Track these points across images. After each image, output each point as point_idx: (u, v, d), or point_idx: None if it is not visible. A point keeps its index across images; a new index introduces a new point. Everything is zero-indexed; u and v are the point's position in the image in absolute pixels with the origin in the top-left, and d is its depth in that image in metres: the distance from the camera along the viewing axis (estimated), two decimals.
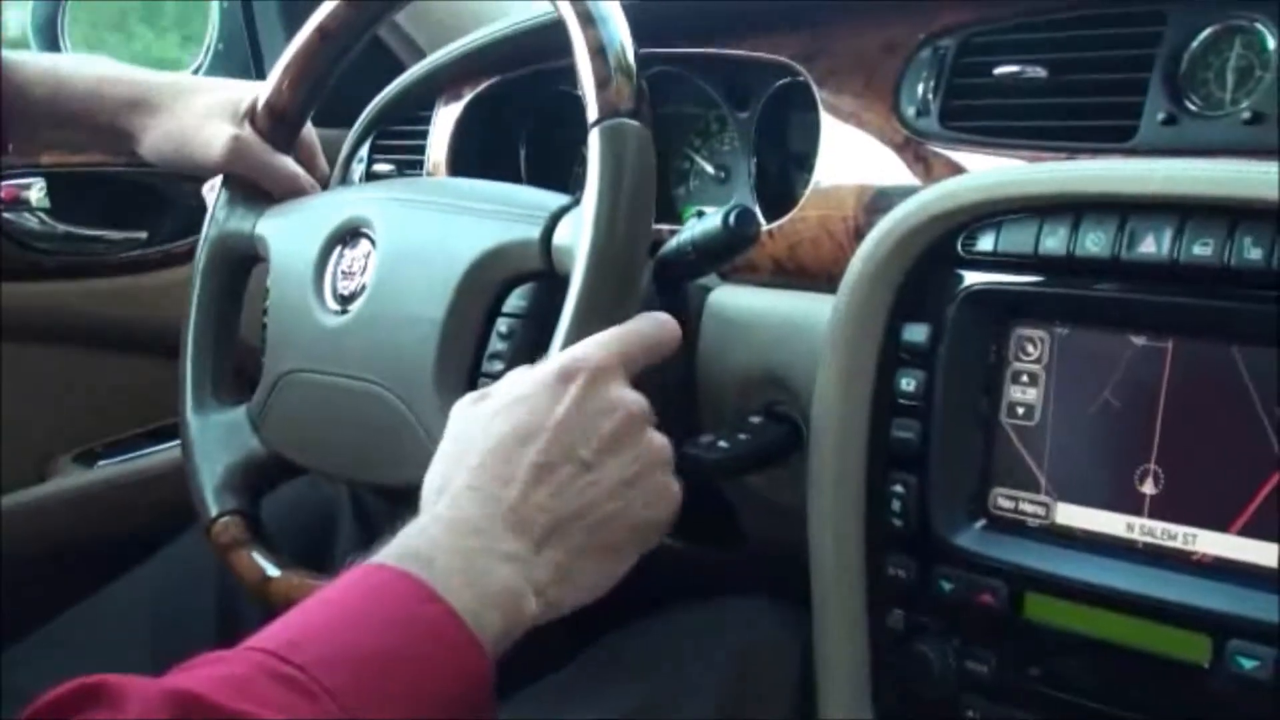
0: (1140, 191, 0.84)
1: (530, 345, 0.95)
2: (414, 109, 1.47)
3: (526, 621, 0.74)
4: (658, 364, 0.86)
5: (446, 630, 0.69)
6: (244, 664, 0.64)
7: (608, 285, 0.86)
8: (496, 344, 0.98)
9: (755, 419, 1.06)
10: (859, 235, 1.01)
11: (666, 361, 0.87)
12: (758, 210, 1.19)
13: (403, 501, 0.81)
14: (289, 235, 1.09)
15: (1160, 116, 0.91)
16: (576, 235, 0.88)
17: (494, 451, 0.77)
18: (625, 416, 0.80)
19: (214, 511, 1.07)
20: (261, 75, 1.61)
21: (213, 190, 1.16)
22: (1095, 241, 0.85)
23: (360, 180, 1.47)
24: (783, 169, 1.23)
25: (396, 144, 1.48)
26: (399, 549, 0.73)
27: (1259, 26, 0.89)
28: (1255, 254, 0.79)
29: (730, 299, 1.11)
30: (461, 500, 0.76)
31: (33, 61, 1.19)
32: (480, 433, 0.79)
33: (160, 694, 0.59)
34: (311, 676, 0.63)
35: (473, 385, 0.96)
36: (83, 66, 1.19)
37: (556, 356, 0.82)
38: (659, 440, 0.82)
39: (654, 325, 0.85)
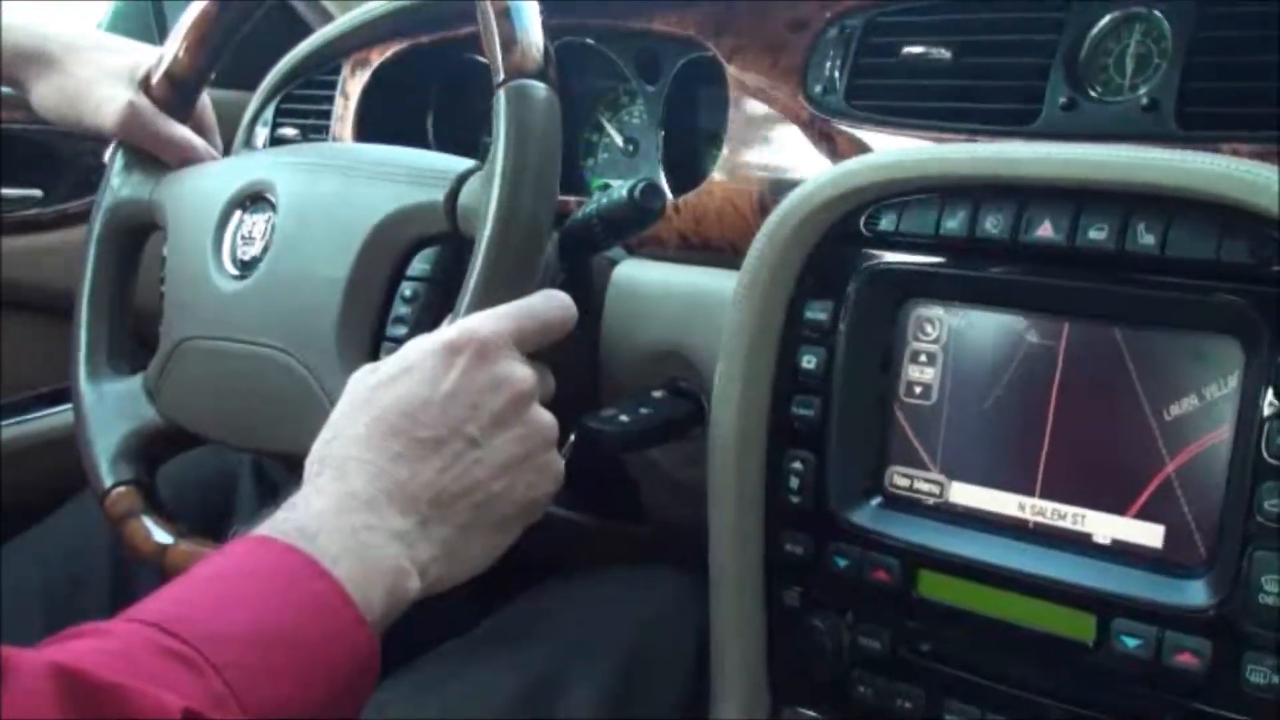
0: (1038, 175, 0.85)
1: (435, 308, 0.95)
2: (321, 73, 1.44)
3: (411, 598, 0.74)
4: (558, 339, 0.85)
5: (332, 606, 0.68)
6: (129, 637, 0.63)
7: (513, 248, 0.85)
8: (400, 308, 0.97)
9: (658, 393, 1.06)
10: (764, 211, 1.01)
11: (568, 335, 0.87)
12: (665, 184, 1.19)
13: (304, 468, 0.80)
14: (187, 202, 1.07)
15: (1061, 101, 0.92)
16: (481, 199, 0.87)
17: (380, 423, 0.77)
18: (513, 393, 0.79)
19: (108, 482, 1.05)
20: (164, 35, 1.58)
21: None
22: (994, 224, 0.86)
23: (265, 145, 1.45)
24: (691, 143, 1.23)
25: (302, 109, 1.45)
26: (286, 523, 0.72)
27: (1158, 14, 0.90)
28: (1148, 239, 0.80)
29: (636, 272, 1.11)
30: (348, 472, 0.75)
31: None
32: (365, 403, 0.78)
33: (46, 667, 0.58)
34: (197, 650, 0.63)
35: (376, 349, 0.95)
36: None
37: (447, 329, 0.81)
38: (546, 418, 0.82)
39: (550, 303, 0.85)
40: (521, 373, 0.80)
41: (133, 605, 0.67)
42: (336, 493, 0.74)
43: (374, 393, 0.79)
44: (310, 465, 0.78)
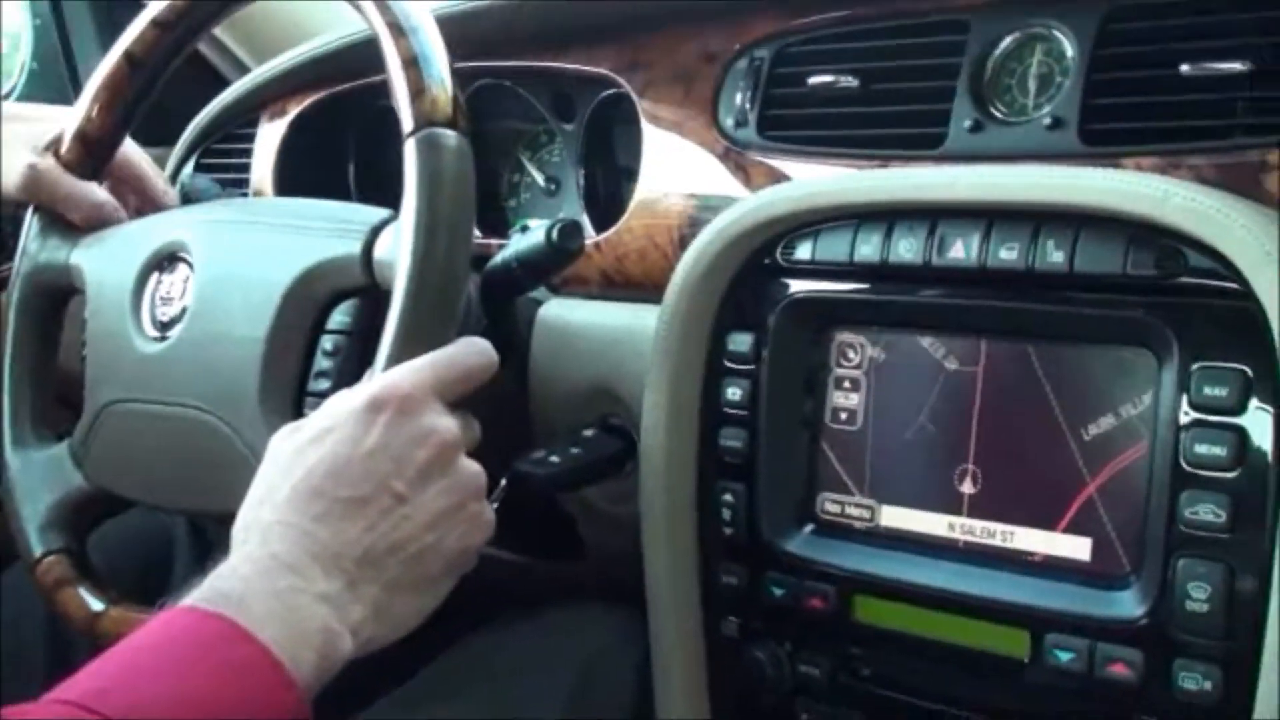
0: (947, 199, 0.86)
1: (357, 362, 0.94)
2: (238, 126, 1.44)
3: (341, 659, 0.73)
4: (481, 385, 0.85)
5: (260, 671, 0.68)
6: (49, 716, 0.62)
7: (429, 298, 0.85)
8: (322, 362, 0.96)
9: (588, 432, 1.06)
10: (684, 245, 1.02)
11: (495, 379, 0.86)
12: (587, 222, 1.19)
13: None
14: (104, 264, 1.06)
15: (967, 123, 0.93)
16: (396, 249, 0.87)
17: (303, 485, 0.76)
18: (438, 445, 0.79)
19: (37, 551, 1.04)
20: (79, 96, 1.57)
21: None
22: (908, 248, 0.87)
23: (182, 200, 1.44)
24: (611, 180, 1.24)
25: (221, 162, 1.45)
26: (211, 590, 0.71)
27: (1058, 34, 0.91)
28: (1057, 257, 0.81)
29: (560, 312, 1.11)
30: (272, 537, 0.74)
31: None
32: (289, 466, 0.77)
33: None
34: None
35: (299, 405, 0.95)
36: None
37: (367, 386, 0.80)
38: (473, 469, 0.81)
39: (470, 351, 0.85)
40: (445, 424, 0.80)
41: (62, 681, 0.66)
42: (261, 558, 0.73)
43: (297, 455, 0.78)
44: (236, 533, 0.77)
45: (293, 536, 0.74)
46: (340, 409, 0.79)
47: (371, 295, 0.93)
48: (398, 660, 0.98)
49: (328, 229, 0.95)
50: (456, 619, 0.84)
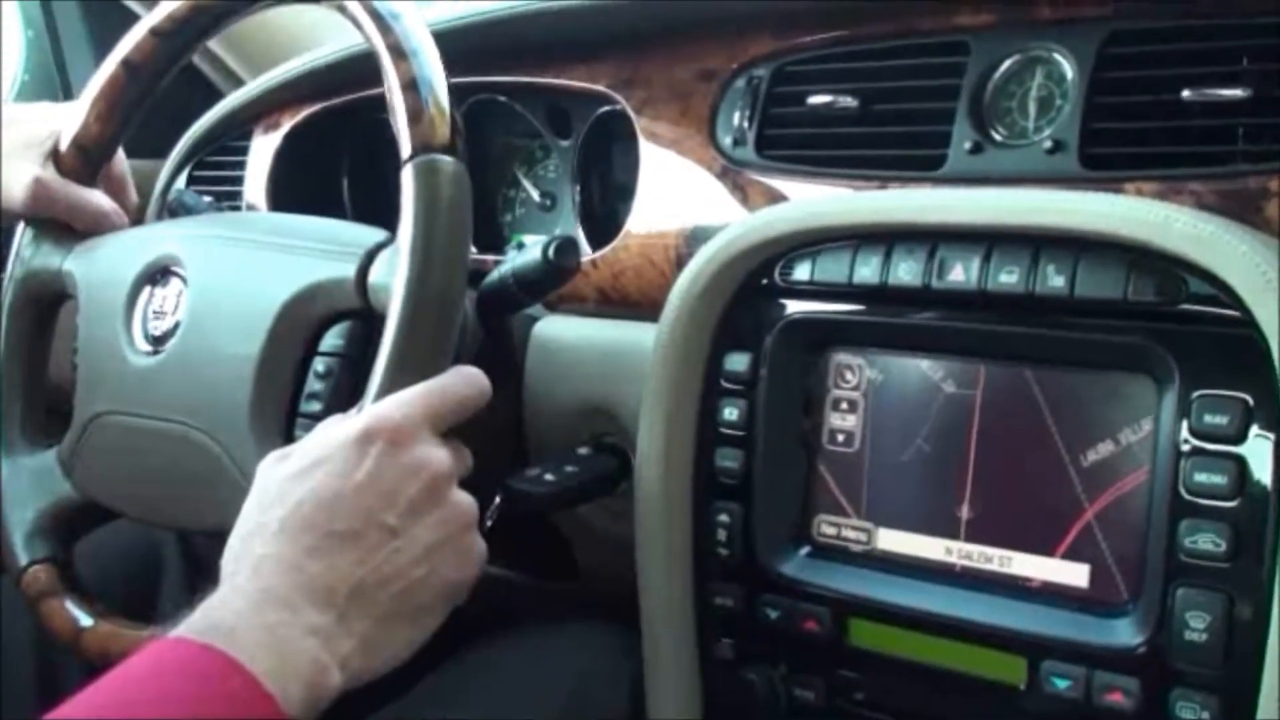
0: (947, 221, 0.85)
1: (349, 385, 0.93)
2: (232, 139, 1.43)
3: (331, 692, 0.72)
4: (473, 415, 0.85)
5: (251, 703, 0.67)
6: None
7: (424, 327, 0.85)
8: (314, 384, 0.95)
9: (583, 450, 1.06)
10: (680, 264, 1.01)
11: (489, 400, 0.86)
12: (582, 238, 1.19)
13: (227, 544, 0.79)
14: (98, 273, 1.06)
15: (967, 146, 0.92)
16: (392, 274, 0.86)
17: (294, 518, 0.75)
18: (429, 478, 0.78)
19: (24, 560, 1.03)
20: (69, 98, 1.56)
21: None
22: (908, 270, 0.87)
23: (171, 214, 1.43)
24: (608, 197, 1.23)
25: (214, 175, 1.44)
26: (202, 621, 0.71)
27: (1058, 57, 0.91)
28: (1058, 281, 0.81)
29: (556, 329, 1.11)
30: (263, 570, 0.74)
31: None
32: (279, 497, 0.77)
33: None
34: None
35: (290, 427, 0.94)
36: None
37: (359, 417, 0.80)
38: (465, 500, 0.81)
39: (462, 380, 0.84)
40: (437, 456, 0.80)
41: (52, 697, 0.66)
42: (252, 590, 0.73)
43: (287, 485, 0.77)
44: (226, 564, 0.77)
45: (283, 570, 0.74)
46: (331, 439, 0.78)
47: (365, 318, 0.93)
48: (390, 677, 0.97)
49: (323, 249, 0.94)
50: (449, 636, 0.84)
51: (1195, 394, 0.77)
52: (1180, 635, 0.77)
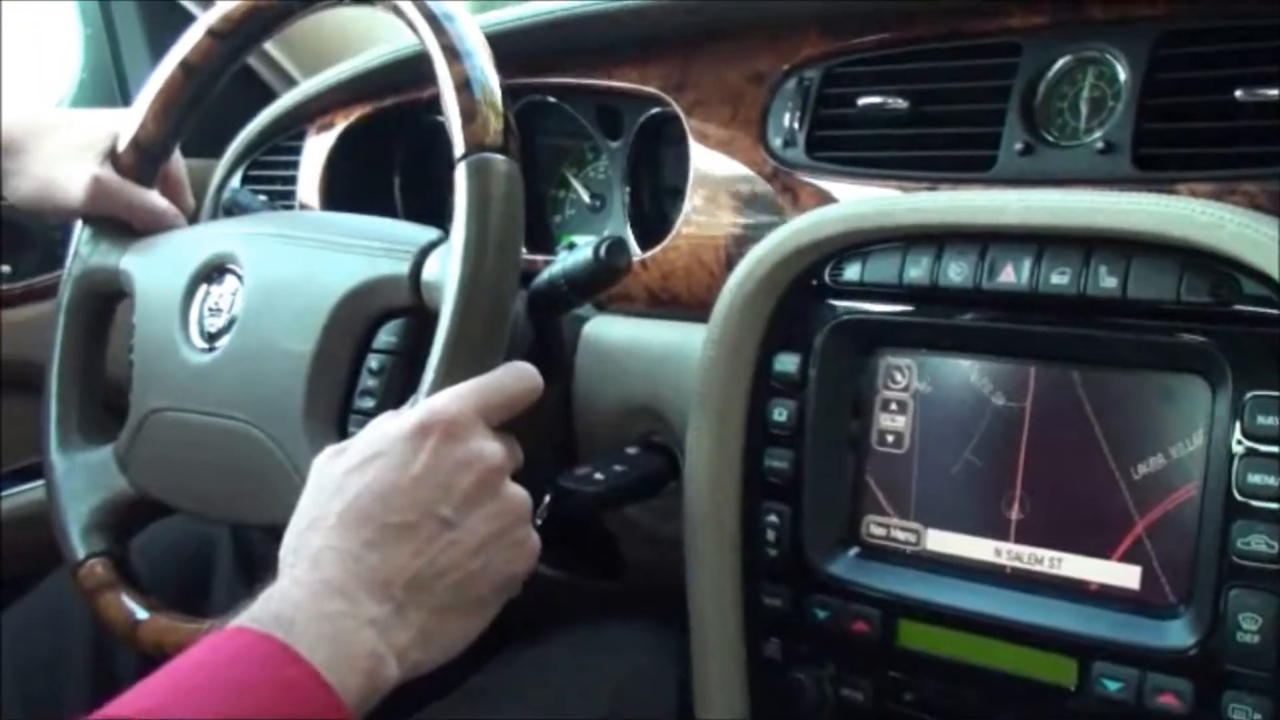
0: (998, 222, 0.85)
1: (402, 382, 0.94)
2: (285, 139, 1.45)
3: (388, 683, 0.73)
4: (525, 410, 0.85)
5: (309, 693, 0.68)
6: None
7: (476, 323, 0.85)
8: (368, 380, 0.96)
9: (632, 450, 1.06)
10: (730, 264, 1.02)
11: (539, 398, 0.87)
12: (632, 239, 1.19)
13: (280, 539, 0.80)
14: (154, 271, 1.07)
15: (1018, 147, 0.92)
16: (445, 272, 0.87)
17: (351, 510, 0.76)
18: (484, 471, 0.79)
19: (80, 554, 1.05)
20: (128, 105, 1.58)
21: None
22: (958, 271, 0.87)
23: (226, 213, 1.44)
24: (657, 198, 1.23)
25: (268, 174, 1.46)
26: (262, 611, 0.71)
27: (1110, 58, 0.91)
28: (1110, 282, 0.81)
29: (605, 329, 1.11)
30: (322, 562, 0.75)
31: None
32: (336, 490, 0.78)
33: None
34: None
35: (343, 423, 0.95)
36: None
37: (413, 410, 0.81)
38: (519, 493, 0.82)
39: (515, 376, 0.85)
40: (491, 449, 0.80)
41: (107, 688, 0.67)
42: (311, 582, 0.74)
43: (343, 479, 0.78)
44: (285, 555, 0.78)
45: (342, 561, 0.74)
46: (386, 433, 0.79)
47: (418, 316, 0.94)
48: (437, 675, 0.98)
49: (377, 248, 0.95)
50: (496, 634, 0.84)
51: (1249, 395, 0.77)
52: (1233, 637, 0.77)
